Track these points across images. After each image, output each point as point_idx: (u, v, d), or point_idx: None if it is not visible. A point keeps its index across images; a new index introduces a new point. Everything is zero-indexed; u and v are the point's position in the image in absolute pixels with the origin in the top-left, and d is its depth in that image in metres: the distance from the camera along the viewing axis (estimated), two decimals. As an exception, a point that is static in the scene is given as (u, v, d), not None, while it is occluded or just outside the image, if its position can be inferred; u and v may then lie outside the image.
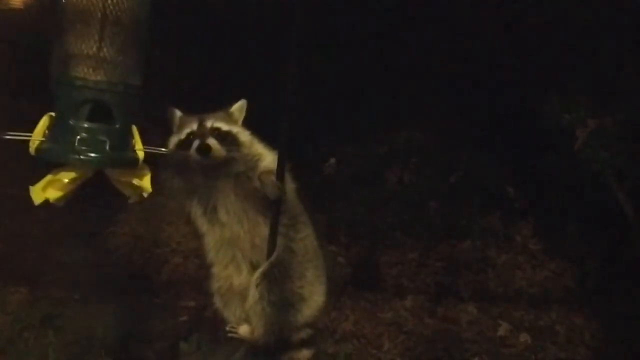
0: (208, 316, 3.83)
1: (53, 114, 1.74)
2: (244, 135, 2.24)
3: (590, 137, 4.05)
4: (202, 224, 2.35)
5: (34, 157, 1.81)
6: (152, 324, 3.80)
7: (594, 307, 3.85)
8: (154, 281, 4.17)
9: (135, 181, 1.85)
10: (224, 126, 2.21)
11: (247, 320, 2.47)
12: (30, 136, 1.75)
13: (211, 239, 2.36)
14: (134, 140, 1.82)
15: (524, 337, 3.65)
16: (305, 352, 2.47)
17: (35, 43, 5.63)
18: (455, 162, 5.09)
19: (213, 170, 2.17)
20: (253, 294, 2.35)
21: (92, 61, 1.67)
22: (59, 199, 1.79)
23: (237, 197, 2.23)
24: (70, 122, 1.69)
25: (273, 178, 2.15)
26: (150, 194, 1.98)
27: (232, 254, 2.36)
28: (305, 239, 2.40)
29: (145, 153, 1.86)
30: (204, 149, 2.09)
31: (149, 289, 4.10)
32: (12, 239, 4.33)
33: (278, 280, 2.33)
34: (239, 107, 2.29)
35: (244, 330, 2.53)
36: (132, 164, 1.80)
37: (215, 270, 2.43)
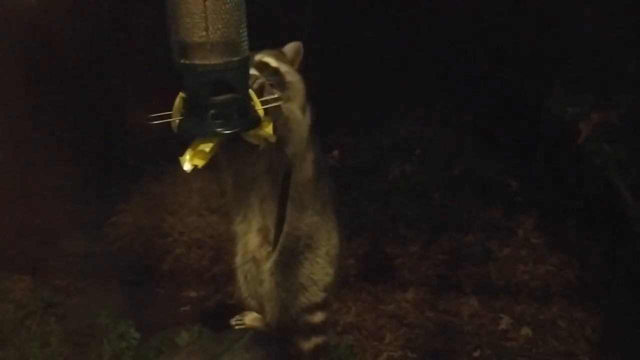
0: (210, 306, 3.85)
1: (183, 95, 1.98)
2: (294, 77, 2.21)
3: (593, 131, 4.04)
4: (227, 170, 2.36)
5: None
6: (154, 314, 3.82)
7: (596, 301, 3.85)
8: (156, 271, 4.19)
9: (260, 132, 2.07)
10: (273, 62, 2.19)
11: (254, 298, 2.46)
12: (170, 117, 2.00)
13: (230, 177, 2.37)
14: (253, 102, 2.02)
15: (525, 331, 3.65)
16: (315, 339, 2.47)
17: (47, 40, 5.64)
18: (458, 155, 5.09)
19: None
20: (269, 280, 2.36)
21: (205, 46, 1.87)
22: (203, 165, 2.03)
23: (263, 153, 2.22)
24: (200, 102, 1.91)
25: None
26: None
27: (247, 210, 2.37)
28: (320, 221, 2.39)
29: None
30: (259, 89, 2.10)
31: (151, 278, 4.11)
32: (15, 227, 4.34)
33: (291, 267, 2.33)
34: (292, 48, 2.24)
35: (250, 318, 2.54)
36: (257, 124, 2.03)
37: (236, 226, 2.46)
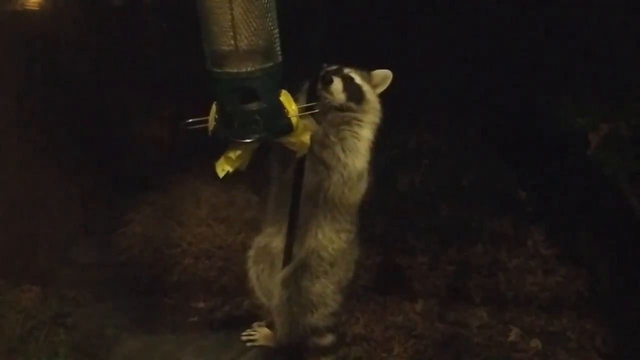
0: (219, 317, 3.85)
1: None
2: (372, 96, 2.36)
3: (603, 141, 4.03)
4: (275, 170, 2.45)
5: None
6: (162, 324, 3.82)
7: (606, 312, 3.82)
8: (164, 281, 4.19)
9: (296, 139, 2.12)
10: (358, 79, 2.33)
11: (266, 295, 2.47)
12: (207, 121, 2.09)
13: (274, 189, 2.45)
14: (286, 109, 2.07)
15: (535, 343, 3.63)
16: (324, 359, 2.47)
17: (51, 43, 5.68)
18: (467, 166, 5.07)
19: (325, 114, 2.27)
20: (280, 294, 2.36)
21: (232, 56, 1.93)
22: (235, 170, 2.13)
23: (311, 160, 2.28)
24: (228, 109, 1.98)
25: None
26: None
27: (281, 218, 2.40)
28: (347, 249, 2.40)
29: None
30: (327, 79, 2.25)
31: (159, 289, 4.11)
32: (24, 238, 4.36)
33: (305, 283, 2.33)
34: (381, 74, 2.39)
35: (261, 336, 2.54)
36: (287, 131, 2.08)
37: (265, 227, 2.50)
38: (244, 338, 2.56)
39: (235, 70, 1.94)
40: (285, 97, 2.10)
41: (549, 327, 3.75)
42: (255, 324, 2.59)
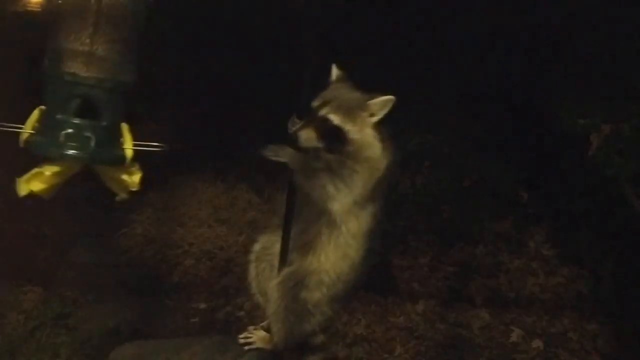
0: (219, 318, 3.85)
1: (44, 107, 1.77)
2: (357, 134, 2.15)
3: (604, 142, 4.03)
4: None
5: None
6: (163, 325, 3.81)
7: (608, 313, 3.82)
8: (165, 282, 4.19)
9: (124, 177, 1.87)
10: (336, 119, 2.13)
11: (262, 294, 2.45)
12: (22, 128, 1.78)
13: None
14: (122, 138, 1.82)
15: (537, 344, 3.63)
16: (321, 354, 2.45)
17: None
18: (468, 167, 5.07)
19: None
20: (275, 301, 2.34)
21: (84, 57, 1.69)
22: (43, 191, 1.80)
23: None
24: (58, 117, 1.71)
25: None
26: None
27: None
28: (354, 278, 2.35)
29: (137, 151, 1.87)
30: (294, 136, 2.09)
31: (160, 290, 4.11)
32: (26, 239, 4.36)
33: (302, 296, 2.31)
34: (380, 103, 2.16)
35: (258, 338, 2.53)
36: (117, 162, 1.82)
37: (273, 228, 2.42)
38: (241, 341, 2.54)
39: (84, 74, 1.71)
40: (125, 127, 1.86)
41: (551, 328, 3.75)
42: (251, 328, 2.58)
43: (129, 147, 1.83)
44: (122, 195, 1.97)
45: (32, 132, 1.78)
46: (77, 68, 1.72)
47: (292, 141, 2.09)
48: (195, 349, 3.02)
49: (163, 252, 4.45)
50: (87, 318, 3.79)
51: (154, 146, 1.91)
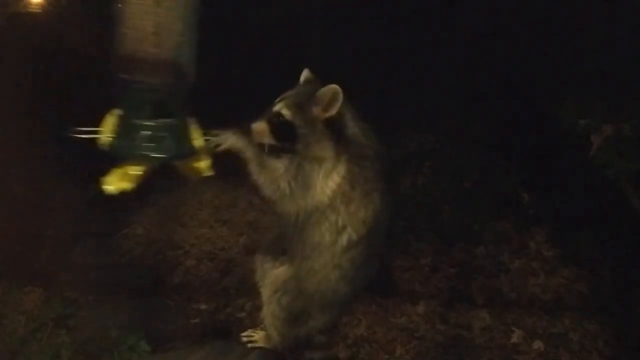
0: (220, 319, 3.85)
1: (118, 111, 1.91)
2: (305, 129, 2.11)
3: (605, 142, 4.02)
4: None
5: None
6: (164, 326, 3.81)
7: (609, 314, 3.82)
8: (166, 283, 4.19)
9: (196, 165, 2.02)
10: (288, 114, 2.10)
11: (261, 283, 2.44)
12: (98, 132, 1.94)
13: None
14: (191, 131, 1.97)
15: (537, 344, 3.62)
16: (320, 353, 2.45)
17: (53, 45, 5.68)
18: (469, 167, 5.07)
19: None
20: (265, 307, 2.34)
21: (151, 65, 1.81)
22: (129, 189, 1.97)
23: None
24: (135, 121, 1.86)
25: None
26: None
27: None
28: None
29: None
30: (248, 132, 2.10)
31: (161, 291, 4.11)
32: (27, 239, 4.36)
33: (282, 297, 2.28)
34: (327, 93, 2.09)
35: (260, 337, 2.53)
36: (190, 155, 1.97)
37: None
38: (244, 339, 2.55)
39: (154, 80, 1.82)
40: (191, 121, 1.99)
41: (552, 328, 3.75)
42: (249, 331, 2.57)
43: (198, 138, 1.96)
44: (194, 179, 2.11)
45: (111, 136, 1.91)
46: (146, 76, 1.83)
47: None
48: (199, 355, 3.04)
49: (164, 253, 4.45)
50: (88, 319, 3.79)
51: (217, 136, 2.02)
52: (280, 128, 2.09)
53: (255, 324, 3.20)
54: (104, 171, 2.04)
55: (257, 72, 5.07)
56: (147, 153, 1.86)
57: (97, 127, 1.95)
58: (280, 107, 2.11)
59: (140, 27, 1.79)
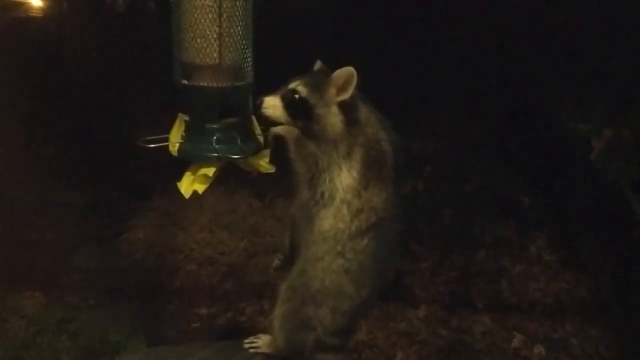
0: (221, 323, 3.84)
1: (184, 117, 1.92)
2: (321, 109, 2.07)
3: (606, 146, 4.03)
4: None
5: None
6: (164, 330, 3.81)
7: (610, 319, 3.81)
8: (167, 287, 4.19)
9: (257, 161, 2.02)
10: (303, 92, 2.07)
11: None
12: (168, 139, 1.94)
13: None
14: (253, 128, 2.01)
15: (538, 349, 3.62)
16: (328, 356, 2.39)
17: (54, 49, 5.70)
18: (469, 172, 5.07)
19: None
20: (279, 302, 2.30)
21: (215, 69, 1.84)
22: (203, 190, 1.98)
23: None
24: (205, 125, 1.88)
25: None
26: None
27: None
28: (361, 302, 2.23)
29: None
30: (258, 104, 2.05)
31: (162, 295, 4.11)
32: (28, 243, 4.36)
33: (296, 303, 2.25)
34: (342, 75, 2.05)
35: (264, 343, 2.51)
36: (257, 151, 2.00)
37: None
38: (246, 345, 2.53)
39: (219, 85, 1.86)
40: (254, 118, 2.03)
41: (553, 333, 3.74)
42: (251, 338, 2.55)
43: (259, 133, 2.00)
44: (255, 172, 2.12)
45: (181, 142, 1.93)
46: (210, 80, 1.86)
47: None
48: (200, 356, 3.02)
49: (164, 257, 4.45)
50: (88, 323, 3.79)
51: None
52: (294, 105, 2.06)
53: (256, 328, 3.20)
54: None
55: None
56: (221, 155, 1.88)
57: (166, 132, 1.96)
58: (296, 85, 2.07)
59: (203, 34, 1.82)
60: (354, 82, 2.05)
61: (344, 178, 2.09)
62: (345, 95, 2.05)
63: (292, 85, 2.08)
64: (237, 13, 1.86)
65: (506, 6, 5.28)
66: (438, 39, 5.46)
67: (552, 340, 3.68)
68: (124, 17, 6.44)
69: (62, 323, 3.76)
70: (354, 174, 2.09)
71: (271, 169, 2.07)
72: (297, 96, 2.06)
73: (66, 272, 4.29)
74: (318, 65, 2.24)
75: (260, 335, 2.56)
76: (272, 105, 2.05)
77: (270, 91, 2.08)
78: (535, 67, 5.09)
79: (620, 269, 4.11)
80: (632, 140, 3.99)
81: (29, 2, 6.37)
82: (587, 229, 4.37)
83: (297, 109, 2.06)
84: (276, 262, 2.40)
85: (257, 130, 2.03)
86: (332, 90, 2.07)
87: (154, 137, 1.95)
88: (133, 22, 6.19)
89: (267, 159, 2.05)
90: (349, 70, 2.05)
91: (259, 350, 2.52)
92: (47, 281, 4.12)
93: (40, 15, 6.29)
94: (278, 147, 2.09)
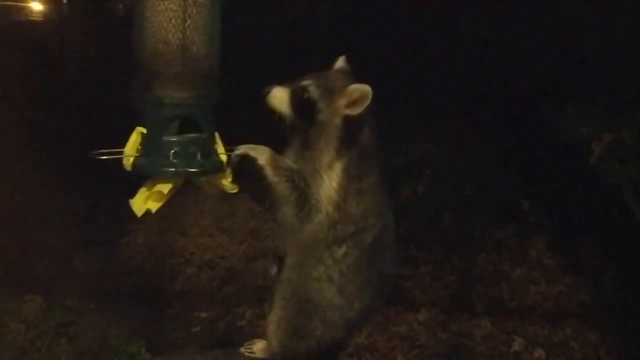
0: (221, 327, 3.84)
1: (142, 129, 1.82)
2: (325, 117, 2.00)
3: (606, 150, 4.03)
4: None
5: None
6: (164, 334, 3.81)
7: (610, 322, 3.81)
8: (167, 291, 4.18)
9: (219, 181, 1.93)
10: (316, 93, 2.00)
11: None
12: (122, 152, 1.85)
13: None
14: (216, 145, 1.89)
15: (539, 353, 3.61)
16: None
17: (54, 53, 5.71)
18: (469, 175, 5.07)
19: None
20: (274, 305, 2.29)
21: (177, 79, 1.74)
22: (158, 208, 1.93)
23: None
24: (162, 138, 1.77)
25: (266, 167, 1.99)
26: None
27: None
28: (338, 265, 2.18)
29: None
30: (265, 93, 2.00)
31: (162, 299, 4.11)
32: (27, 247, 4.36)
33: (300, 304, 2.21)
34: (359, 90, 1.98)
35: (259, 348, 2.50)
36: (219, 169, 1.88)
37: None
38: (242, 350, 2.52)
39: (181, 95, 1.75)
40: (217, 135, 1.92)
41: (553, 337, 3.74)
42: (247, 344, 2.54)
43: (222, 152, 1.89)
44: (216, 194, 2.01)
45: (136, 155, 1.84)
46: (172, 91, 1.76)
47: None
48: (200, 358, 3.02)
49: (164, 261, 4.45)
50: (88, 327, 3.78)
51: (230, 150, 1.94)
52: (301, 103, 1.99)
53: (255, 332, 3.19)
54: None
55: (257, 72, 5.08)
56: (178, 169, 1.78)
57: (119, 145, 1.88)
58: (309, 84, 2.00)
59: (165, 40, 1.72)
60: (367, 102, 1.98)
61: (326, 189, 2.05)
62: (354, 112, 1.99)
63: (305, 83, 2.01)
64: (203, 20, 1.76)
65: (506, 8, 5.28)
66: (439, 42, 5.46)
67: (553, 344, 3.67)
68: (123, 20, 6.44)
69: (61, 327, 3.75)
70: (334, 185, 2.05)
71: (235, 189, 1.99)
72: (306, 95, 2.00)
73: (66, 275, 4.28)
74: (341, 62, 2.18)
75: (255, 340, 2.55)
76: (279, 96, 1.99)
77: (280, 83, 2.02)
78: (535, 70, 5.09)
79: (621, 272, 4.11)
80: (632, 143, 3.98)
81: (30, 6, 6.38)
82: (588, 233, 4.36)
83: (302, 107, 2.00)
84: (274, 269, 2.39)
85: (221, 149, 1.93)
86: (343, 102, 2.00)
87: (109, 150, 1.88)
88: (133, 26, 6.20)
89: (229, 179, 1.97)
90: (366, 88, 1.99)
91: (254, 356, 2.51)
92: (47, 285, 4.12)
93: (41, 18, 6.30)
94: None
